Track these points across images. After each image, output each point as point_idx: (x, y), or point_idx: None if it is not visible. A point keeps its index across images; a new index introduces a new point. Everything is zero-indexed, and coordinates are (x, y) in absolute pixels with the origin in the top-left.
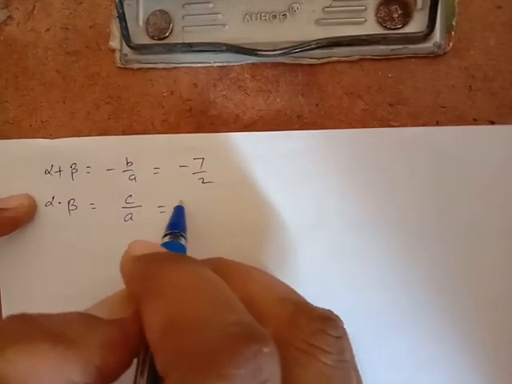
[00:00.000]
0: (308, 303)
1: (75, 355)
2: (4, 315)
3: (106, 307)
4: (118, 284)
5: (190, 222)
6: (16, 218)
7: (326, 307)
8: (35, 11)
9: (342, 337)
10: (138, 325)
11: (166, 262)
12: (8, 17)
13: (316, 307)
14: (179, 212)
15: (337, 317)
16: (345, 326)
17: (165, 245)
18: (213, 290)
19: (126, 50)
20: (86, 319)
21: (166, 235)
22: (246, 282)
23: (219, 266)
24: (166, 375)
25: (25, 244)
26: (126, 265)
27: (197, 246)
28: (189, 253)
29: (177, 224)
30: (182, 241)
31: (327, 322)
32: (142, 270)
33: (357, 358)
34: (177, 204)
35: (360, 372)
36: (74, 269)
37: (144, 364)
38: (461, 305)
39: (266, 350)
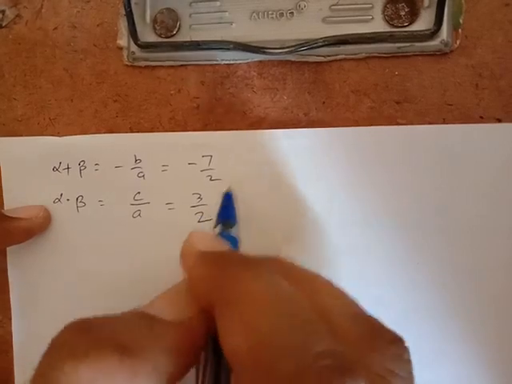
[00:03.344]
0: (379, 322)
1: (144, 366)
2: (13, 311)
3: (167, 301)
4: (126, 280)
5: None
6: (30, 229)
7: None
8: (43, 10)
9: (411, 360)
10: (203, 325)
11: (241, 268)
12: (17, 15)
13: (385, 327)
14: (228, 199)
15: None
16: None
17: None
18: (297, 310)
19: (134, 48)
20: (148, 323)
21: (216, 225)
22: (316, 293)
23: (285, 272)
24: None
25: (33, 240)
26: (189, 259)
27: None
28: None
29: (227, 212)
30: (234, 231)
31: (402, 345)
32: (216, 275)
33: None
34: (224, 191)
35: None
36: (82, 265)
37: (206, 361)
38: (466, 302)
39: None
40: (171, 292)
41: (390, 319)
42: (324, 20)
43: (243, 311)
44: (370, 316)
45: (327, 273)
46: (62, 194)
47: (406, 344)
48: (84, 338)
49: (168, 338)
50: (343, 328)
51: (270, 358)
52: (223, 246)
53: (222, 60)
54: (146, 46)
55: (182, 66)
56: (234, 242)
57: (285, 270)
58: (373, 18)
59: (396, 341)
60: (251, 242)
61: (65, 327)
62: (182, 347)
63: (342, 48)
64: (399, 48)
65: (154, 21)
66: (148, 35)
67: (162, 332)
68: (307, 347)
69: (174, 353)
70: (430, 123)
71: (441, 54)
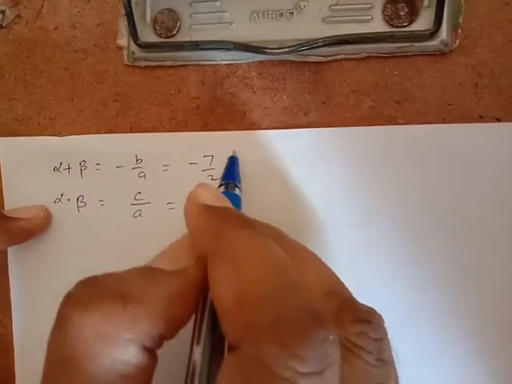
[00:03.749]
0: (353, 299)
1: (145, 312)
2: (13, 310)
3: (167, 257)
4: None
5: None
6: (30, 229)
7: None
8: (43, 10)
9: (381, 338)
10: (200, 272)
11: (239, 226)
12: (17, 15)
13: (360, 305)
14: (233, 162)
15: (379, 316)
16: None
17: None
18: (283, 270)
19: (134, 47)
20: (148, 274)
21: (220, 185)
22: (301, 263)
23: (277, 239)
24: (237, 345)
25: (34, 240)
26: (192, 211)
27: None
28: None
29: (231, 174)
30: (237, 191)
31: (369, 325)
32: (214, 227)
33: None
34: (230, 155)
35: None
36: (82, 265)
37: (204, 308)
38: (467, 301)
39: (331, 337)
40: (173, 246)
41: (391, 319)
42: (324, 20)
43: (233, 264)
44: (344, 295)
45: None
46: (62, 194)
47: (379, 324)
48: (90, 290)
49: (165, 284)
50: (317, 302)
51: (251, 307)
52: (226, 202)
53: (222, 60)
54: (146, 46)
55: (182, 66)
56: (236, 201)
57: (279, 237)
58: (372, 18)
59: (364, 321)
60: None
61: (76, 283)
62: (178, 294)
63: (342, 48)
64: (399, 48)
65: (154, 21)
66: (148, 35)
67: (160, 280)
68: (287, 302)
69: (171, 299)
70: (429, 123)
71: (440, 53)
